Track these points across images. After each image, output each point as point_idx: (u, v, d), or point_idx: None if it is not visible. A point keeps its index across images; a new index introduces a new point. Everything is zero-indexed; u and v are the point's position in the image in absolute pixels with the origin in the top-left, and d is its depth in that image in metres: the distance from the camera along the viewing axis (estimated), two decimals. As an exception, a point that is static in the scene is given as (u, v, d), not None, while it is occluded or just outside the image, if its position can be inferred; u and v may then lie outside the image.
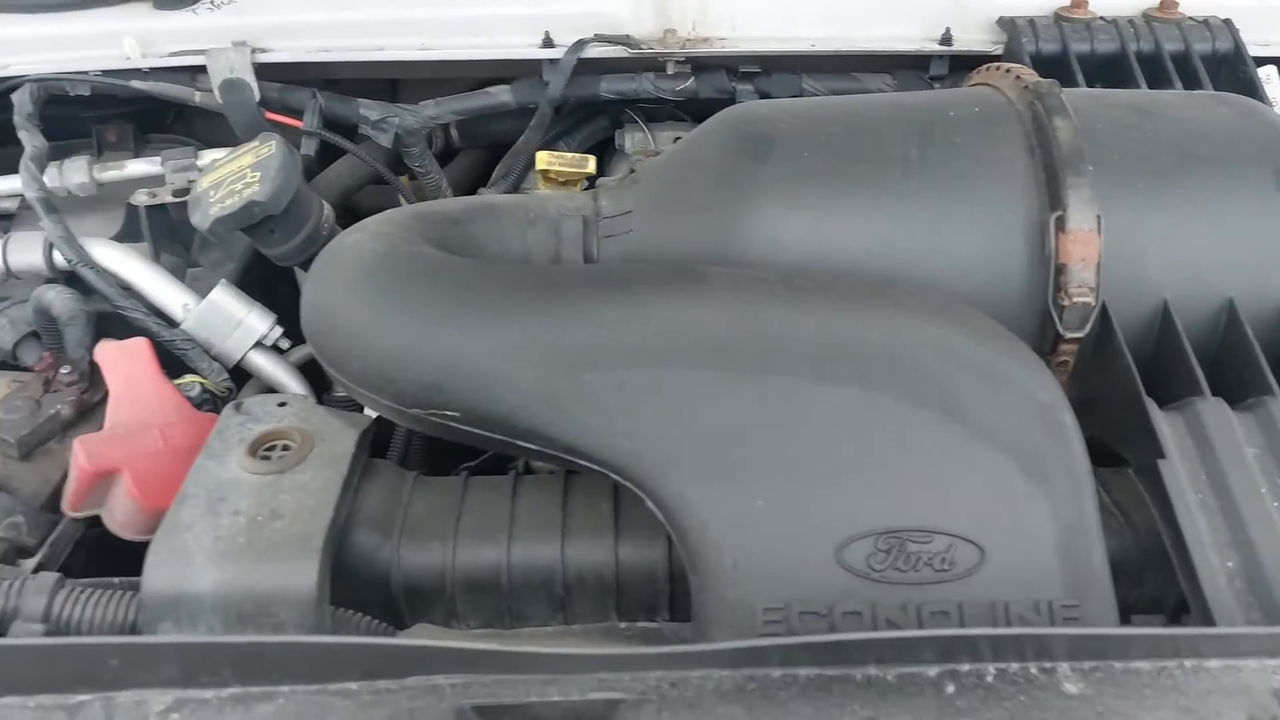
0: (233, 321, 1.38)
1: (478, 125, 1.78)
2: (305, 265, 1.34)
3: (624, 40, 1.55)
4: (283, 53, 1.54)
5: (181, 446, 1.13)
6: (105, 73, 1.53)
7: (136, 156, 1.68)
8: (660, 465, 0.92)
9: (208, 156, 1.56)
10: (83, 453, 1.07)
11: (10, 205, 1.67)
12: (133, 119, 1.77)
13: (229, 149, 1.53)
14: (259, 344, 1.39)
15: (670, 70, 1.57)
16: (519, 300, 1.00)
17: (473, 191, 1.79)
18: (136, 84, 1.53)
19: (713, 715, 0.77)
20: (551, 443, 0.95)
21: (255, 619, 0.89)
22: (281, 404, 1.11)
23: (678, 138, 1.71)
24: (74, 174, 1.54)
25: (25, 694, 0.79)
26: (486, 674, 0.80)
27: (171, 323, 1.37)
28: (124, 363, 1.22)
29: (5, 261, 1.36)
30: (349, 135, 1.66)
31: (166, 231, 1.54)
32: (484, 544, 1.04)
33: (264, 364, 1.41)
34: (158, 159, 1.57)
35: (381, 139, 1.63)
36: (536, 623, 1.06)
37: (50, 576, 0.92)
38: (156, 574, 0.90)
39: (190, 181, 1.54)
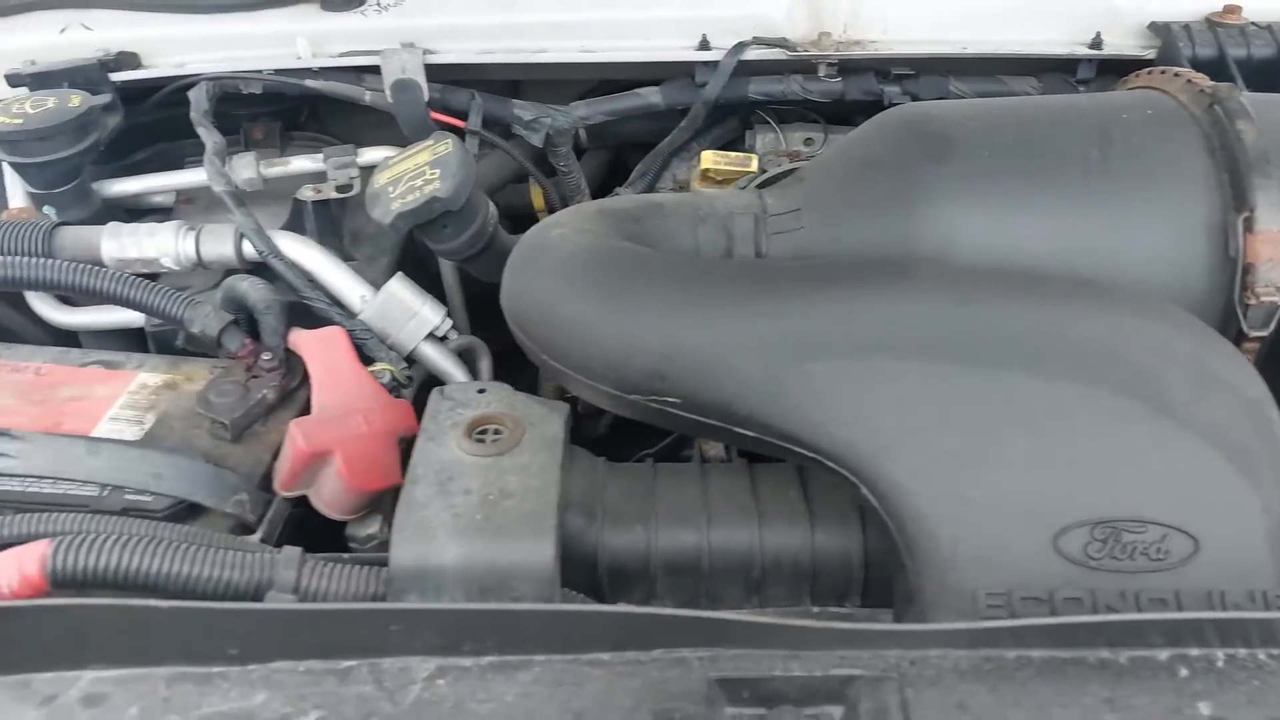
0: (409, 313, 1.43)
1: (606, 125, 1.82)
2: (468, 261, 1.38)
3: (781, 43, 1.57)
4: (449, 54, 1.58)
5: (382, 430, 1.17)
6: (277, 72, 1.59)
7: (283, 153, 1.73)
8: (877, 453, 0.95)
9: (369, 154, 1.61)
10: (300, 435, 1.11)
11: (165, 200, 1.73)
12: (276, 117, 1.83)
13: (388, 147, 1.59)
14: (430, 335, 1.45)
15: (821, 72, 1.59)
16: (737, 291, 1.03)
17: (605, 190, 1.83)
18: (310, 83, 1.58)
19: (955, 693, 0.80)
20: (769, 430, 0.98)
21: (496, 592, 0.93)
22: (481, 390, 1.15)
23: (808, 138, 1.74)
24: (243, 170, 1.59)
25: (295, 659, 0.83)
26: (729, 648, 0.84)
27: (349, 313, 1.42)
28: (321, 350, 1.27)
29: (198, 252, 1.42)
30: (499, 134, 1.70)
31: (327, 226, 1.60)
32: (684, 528, 1.08)
33: (432, 354, 1.46)
34: (318, 155, 1.63)
35: (533, 138, 1.67)
36: (730, 605, 1.09)
37: (295, 551, 0.96)
38: (403, 549, 0.94)
39: (352, 178, 1.60)
